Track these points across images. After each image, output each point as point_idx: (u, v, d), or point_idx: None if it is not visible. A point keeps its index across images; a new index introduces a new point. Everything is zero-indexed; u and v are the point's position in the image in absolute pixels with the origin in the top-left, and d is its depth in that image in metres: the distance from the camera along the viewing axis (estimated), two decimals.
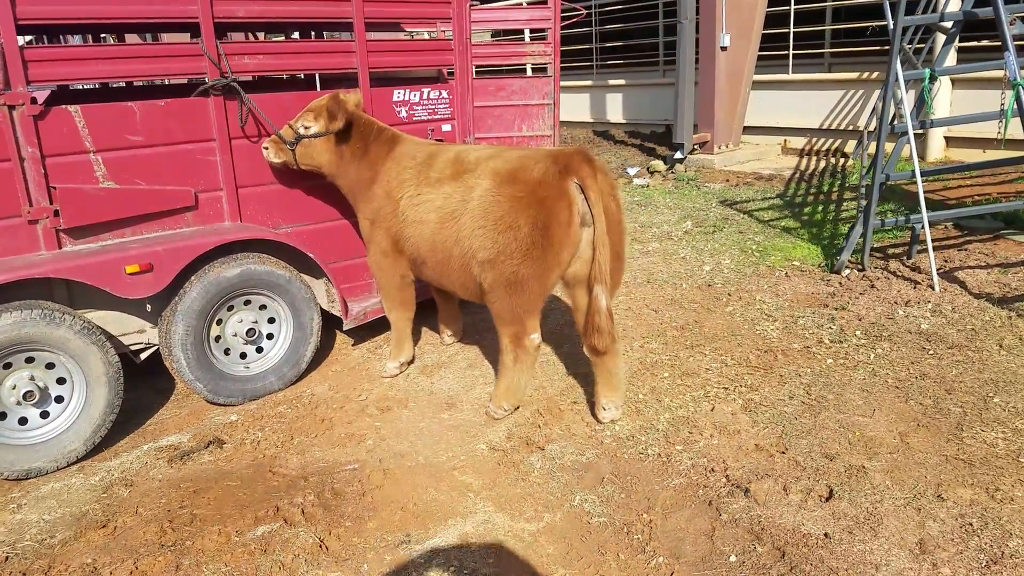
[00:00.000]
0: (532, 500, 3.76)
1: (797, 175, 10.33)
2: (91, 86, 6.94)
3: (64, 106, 4.31)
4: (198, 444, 4.46)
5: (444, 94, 5.84)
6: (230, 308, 4.86)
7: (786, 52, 12.30)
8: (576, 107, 16.94)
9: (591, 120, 16.61)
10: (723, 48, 11.27)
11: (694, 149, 11.75)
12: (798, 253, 6.96)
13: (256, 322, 4.96)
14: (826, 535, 3.28)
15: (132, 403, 5.06)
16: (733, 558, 3.24)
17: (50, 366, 4.28)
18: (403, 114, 5.63)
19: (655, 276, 6.70)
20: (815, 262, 6.70)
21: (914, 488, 3.53)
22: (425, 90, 5.73)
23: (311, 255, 5.02)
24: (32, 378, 4.22)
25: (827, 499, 3.53)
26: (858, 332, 5.21)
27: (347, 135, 4.81)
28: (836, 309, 5.63)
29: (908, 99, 6.31)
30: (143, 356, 4.84)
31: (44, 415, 4.31)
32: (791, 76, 12.28)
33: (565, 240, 4.10)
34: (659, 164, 11.79)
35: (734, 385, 4.69)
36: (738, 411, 4.40)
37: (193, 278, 4.64)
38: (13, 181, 4.20)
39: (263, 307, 4.98)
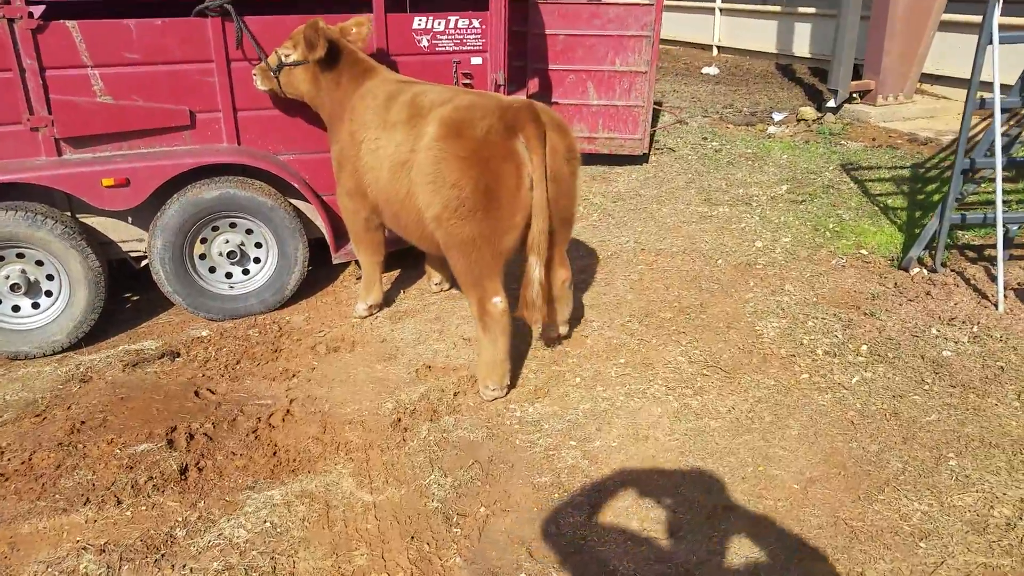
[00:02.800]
0: (389, 470, 3.68)
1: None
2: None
3: (62, 21, 4.59)
4: (156, 354, 4.78)
5: (475, 23, 5.49)
6: (215, 228, 5.07)
7: None
8: (759, 35, 15.42)
9: (775, 51, 15.08)
10: None
11: (852, 97, 10.33)
12: (875, 240, 5.99)
13: (242, 245, 5.14)
14: None
15: (144, 304, 5.50)
16: (523, 575, 3.00)
17: (39, 263, 4.74)
18: (424, 44, 5.40)
19: (696, 247, 6.08)
20: (887, 254, 5.74)
21: (766, 549, 3.03)
22: (452, 18, 5.44)
23: (295, 184, 5.09)
24: (23, 271, 4.71)
25: (664, 538, 3.13)
26: (864, 347, 4.45)
27: (327, 65, 4.70)
28: (865, 315, 4.83)
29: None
30: (142, 264, 5.21)
31: (35, 306, 4.82)
32: (999, 19, 10.29)
33: (515, 203, 3.84)
34: (809, 111, 10.53)
35: (681, 386, 4.22)
36: (665, 416, 3.98)
37: (175, 196, 4.87)
38: (14, 90, 4.58)
39: (249, 231, 5.15)
